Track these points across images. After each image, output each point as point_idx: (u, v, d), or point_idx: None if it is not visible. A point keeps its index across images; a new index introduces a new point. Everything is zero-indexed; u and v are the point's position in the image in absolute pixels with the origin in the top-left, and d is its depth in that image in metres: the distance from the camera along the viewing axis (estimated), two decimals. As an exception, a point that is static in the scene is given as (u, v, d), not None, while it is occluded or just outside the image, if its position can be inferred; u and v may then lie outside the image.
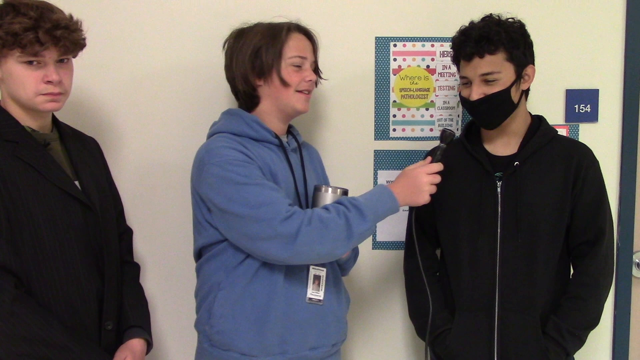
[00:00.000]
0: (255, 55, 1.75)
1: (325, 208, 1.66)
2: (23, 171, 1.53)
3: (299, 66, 1.77)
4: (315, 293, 1.75)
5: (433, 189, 1.72)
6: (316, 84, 1.89)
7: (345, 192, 1.76)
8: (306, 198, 1.80)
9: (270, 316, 1.68)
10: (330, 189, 1.75)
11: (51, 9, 1.56)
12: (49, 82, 1.54)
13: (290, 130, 1.90)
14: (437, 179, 1.73)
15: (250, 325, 1.67)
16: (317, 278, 1.75)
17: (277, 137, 1.78)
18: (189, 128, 2.12)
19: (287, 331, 1.70)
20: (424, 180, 1.71)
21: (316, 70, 1.87)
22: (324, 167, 2.02)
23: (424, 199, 1.71)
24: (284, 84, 1.75)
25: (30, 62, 1.52)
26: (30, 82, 1.54)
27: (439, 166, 1.73)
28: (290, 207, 1.62)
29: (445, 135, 1.77)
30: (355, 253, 1.93)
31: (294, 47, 1.76)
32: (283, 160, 1.78)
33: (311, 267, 1.74)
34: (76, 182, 1.64)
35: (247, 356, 1.69)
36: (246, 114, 1.79)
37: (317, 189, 1.77)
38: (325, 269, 1.77)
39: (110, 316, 1.66)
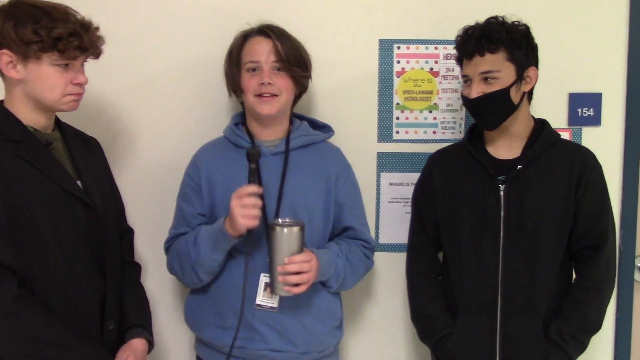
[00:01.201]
0: (226, 74, 1.90)
1: (185, 239, 1.80)
2: (25, 171, 1.53)
3: (254, 70, 1.80)
4: (266, 300, 1.77)
5: (248, 212, 1.62)
6: (303, 82, 1.87)
7: (302, 227, 1.65)
8: (278, 204, 1.78)
9: (228, 317, 1.78)
10: (285, 229, 1.63)
11: (75, 12, 1.57)
12: (77, 84, 1.57)
13: (292, 133, 1.88)
14: (250, 200, 1.63)
15: (212, 320, 1.82)
16: (268, 285, 1.75)
17: (252, 142, 1.83)
18: (191, 128, 2.13)
19: (243, 331, 1.74)
20: (232, 205, 1.63)
21: (287, 67, 1.79)
22: (336, 170, 1.89)
23: (240, 224, 1.63)
24: (242, 90, 1.83)
25: (63, 65, 1.54)
26: (60, 84, 1.55)
27: (248, 189, 1.65)
28: (174, 237, 1.85)
29: (249, 156, 1.67)
30: (338, 273, 1.81)
31: (246, 53, 1.82)
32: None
33: (262, 274, 1.75)
34: (78, 182, 1.64)
35: (211, 345, 1.84)
36: (233, 121, 1.92)
37: (270, 228, 1.66)
38: None
39: (112, 316, 1.67)
